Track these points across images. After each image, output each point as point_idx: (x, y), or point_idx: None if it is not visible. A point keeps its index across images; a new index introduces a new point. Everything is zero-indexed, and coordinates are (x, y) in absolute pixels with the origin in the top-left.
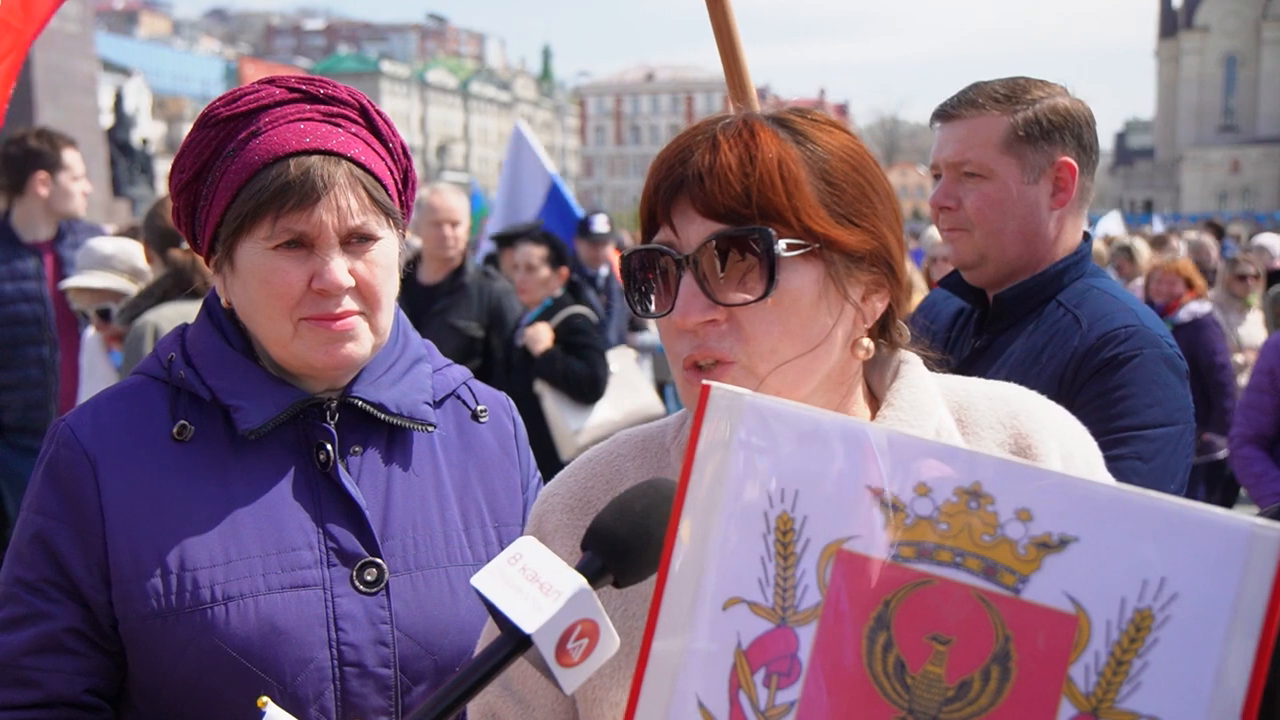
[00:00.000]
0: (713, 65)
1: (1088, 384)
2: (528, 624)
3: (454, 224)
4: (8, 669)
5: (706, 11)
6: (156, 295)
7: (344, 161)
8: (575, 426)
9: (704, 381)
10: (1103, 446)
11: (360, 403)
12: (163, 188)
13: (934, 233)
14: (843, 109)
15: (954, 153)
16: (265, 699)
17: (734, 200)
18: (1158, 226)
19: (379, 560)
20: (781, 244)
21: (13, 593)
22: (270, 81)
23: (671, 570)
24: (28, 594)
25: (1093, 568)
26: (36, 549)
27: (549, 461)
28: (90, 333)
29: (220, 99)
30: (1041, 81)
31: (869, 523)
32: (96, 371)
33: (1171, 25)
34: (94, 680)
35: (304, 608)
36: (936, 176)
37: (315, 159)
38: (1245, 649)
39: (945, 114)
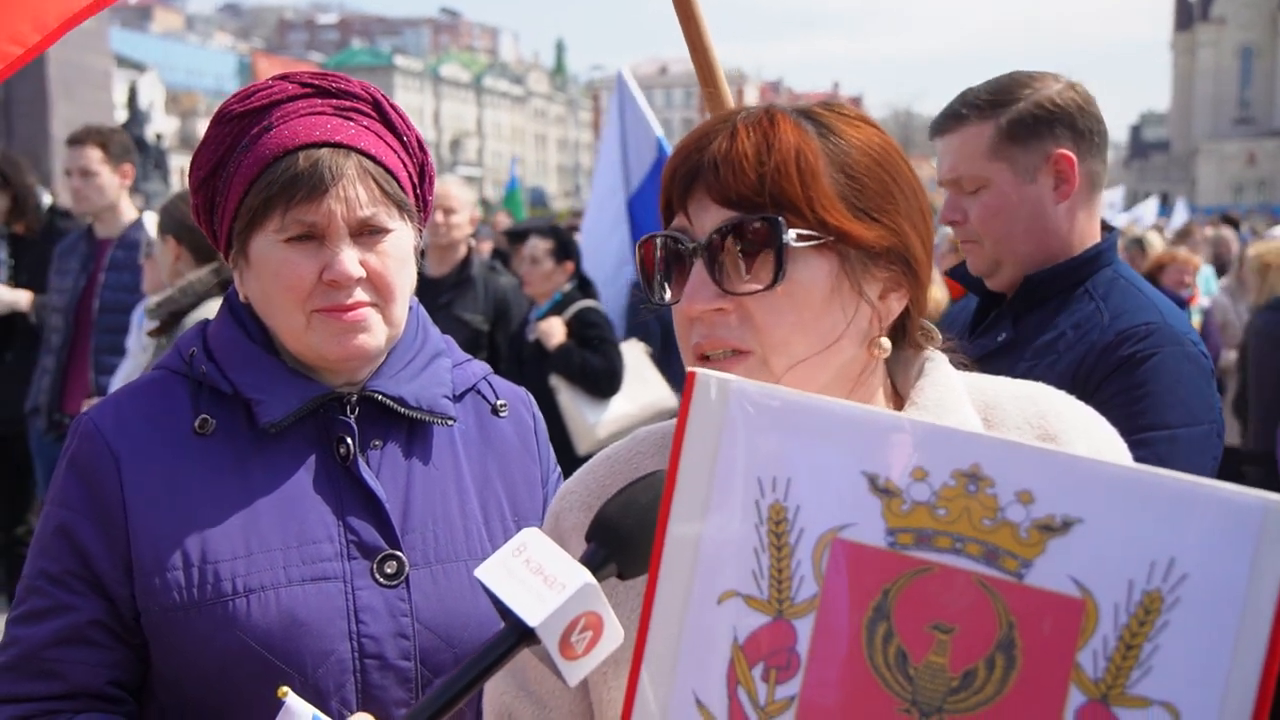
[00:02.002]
0: (726, 59)
1: (1106, 382)
2: (531, 617)
3: (447, 211)
4: (32, 661)
5: (679, 11)
6: (199, 292)
7: (353, 154)
8: (593, 420)
9: (689, 369)
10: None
11: (380, 396)
12: (177, 183)
13: (945, 230)
14: (857, 102)
15: (949, 168)
16: (285, 688)
17: (748, 188)
18: (1180, 217)
19: (399, 553)
20: (792, 234)
21: (37, 585)
22: (284, 77)
23: (664, 566)
24: (52, 587)
25: (1098, 550)
26: (60, 542)
27: (564, 456)
28: (136, 314)
29: (235, 95)
30: (1029, 75)
31: (864, 510)
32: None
33: (1187, 17)
34: (117, 672)
35: (325, 600)
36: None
37: (324, 151)
38: (1260, 629)
39: (936, 129)
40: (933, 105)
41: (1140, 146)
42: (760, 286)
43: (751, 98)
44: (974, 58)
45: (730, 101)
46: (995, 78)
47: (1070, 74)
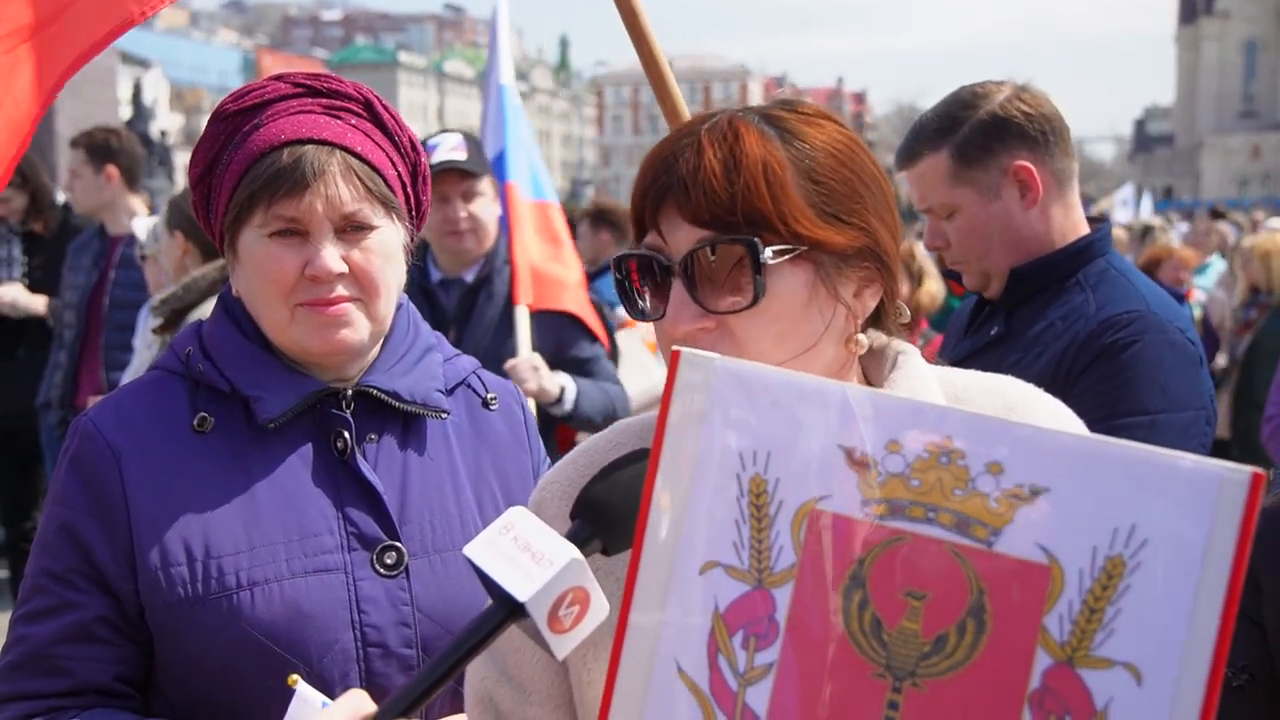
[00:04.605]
0: (731, 54)
1: (1088, 369)
2: (520, 592)
3: None
4: (39, 658)
5: (630, 29)
6: (203, 289)
7: (338, 151)
8: None
9: (675, 347)
10: (1103, 434)
11: (375, 391)
12: (181, 180)
13: None
14: (860, 97)
15: (919, 199)
16: (295, 677)
17: (719, 208)
18: (1146, 211)
19: (398, 544)
20: (768, 251)
21: (41, 584)
22: (279, 78)
23: (648, 538)
24: (56, 585)
25: (1064, 517)
26: (63, 540)
27: (566, 446)
28: (142, 311)
29: (230, 95)
30: (974, 92)
31: (841, 482)
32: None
33: (1191, 11)
34: (122, 668)
35: (327, 591)
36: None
37: (309, 148)
38: (1216, 592)
39: (898, 164)
40: (937, 101)
41: (1144, 141)
42: (743, 304)
43: (755, 93)
44: (978, 52)
45: (684, 109)
46: (943, 99)
47: (1072, 68)
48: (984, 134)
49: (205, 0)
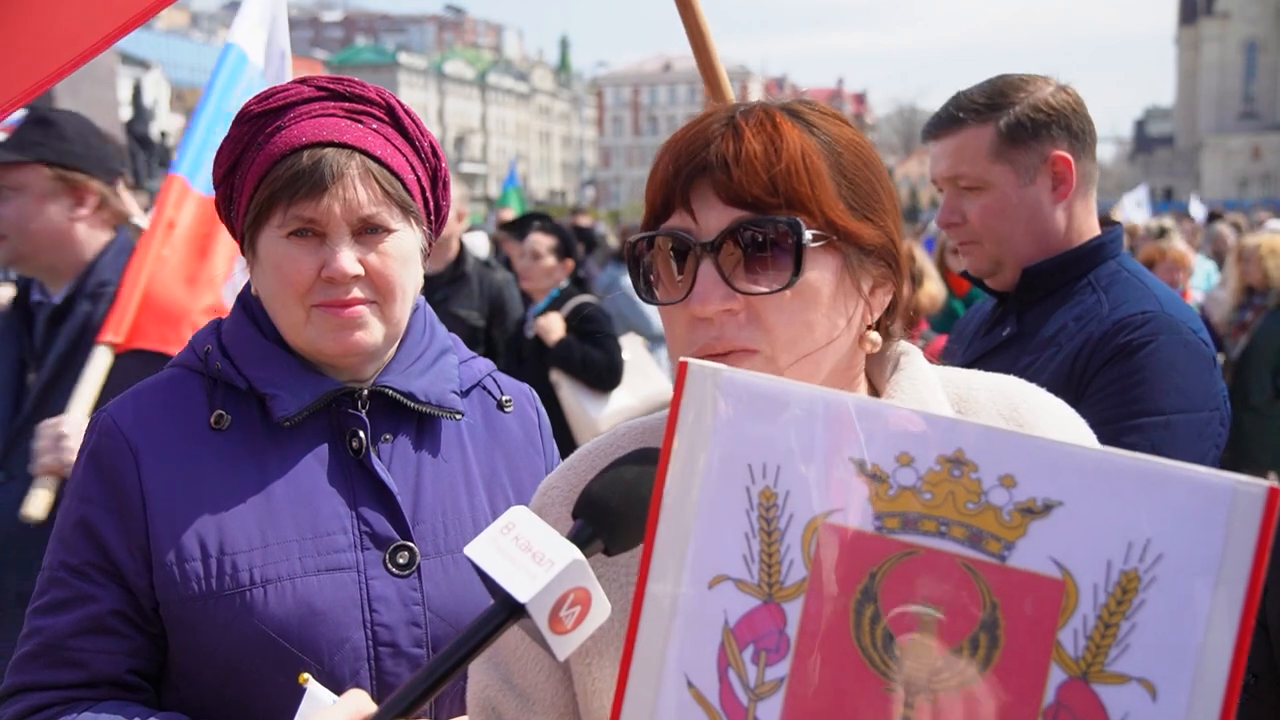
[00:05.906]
0: (731, 56)
1: (1102, 370)
2: (522, 593)
3: None
4: (54, 650)
5: (681, 10)
6: None
7: (357, 154)
8: (595, 415)
9: (680, 358)
10: (1116, 434)
11: (391, 391)
12: None
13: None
14: (861, 98)
15: (948, 168)
16: (306, 675)
17: (760, 189)
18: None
19: (411, 544)
20: (808, 234)
21: (58, 576)
22: (303, 81)
23: (656, 551)
24: (73, 578)
25: (1078, 531)
26: (80, 534)
27: (568, 451)
28: None
29: (255, 97)
30: (1021, 78)
31: (852, 495)
32: None
33: (1192, 11)
34: (137, 661)
35: (339, 590)
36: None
37: (328, 150)
38: (1231, 606)
39: (932, 132)
40: (937, 102)
41: (1145, 141)
42: (778, 286)
43: (756, 94)
44: (976, 54)
45: (733, 98)
46: (986, 80)
47: (1073, 69)
48: (1033, 119)
49: (206, 1)
